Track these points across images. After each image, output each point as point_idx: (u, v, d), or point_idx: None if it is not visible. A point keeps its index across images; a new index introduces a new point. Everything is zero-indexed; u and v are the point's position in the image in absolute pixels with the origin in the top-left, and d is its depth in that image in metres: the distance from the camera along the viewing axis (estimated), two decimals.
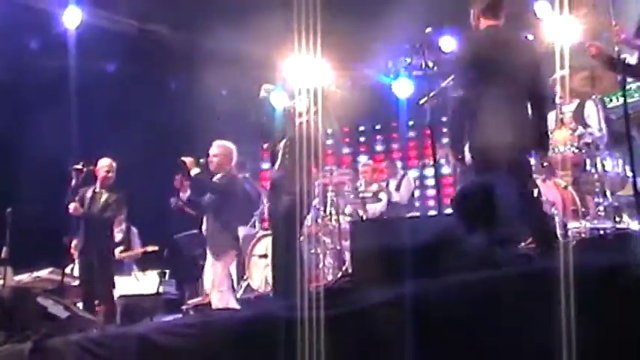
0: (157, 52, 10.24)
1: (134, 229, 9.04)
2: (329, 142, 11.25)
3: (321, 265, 7.92)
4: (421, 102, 5.36)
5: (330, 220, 8.17)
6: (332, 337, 3.18)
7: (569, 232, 5.96)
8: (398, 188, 9.30)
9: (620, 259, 2.83)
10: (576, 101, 6.67)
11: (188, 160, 6.71)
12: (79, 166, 7.36)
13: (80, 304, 6.92)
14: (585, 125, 6.29)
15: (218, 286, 6.69)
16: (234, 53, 10.52)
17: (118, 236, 8.94)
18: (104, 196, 7.41)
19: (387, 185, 9.28)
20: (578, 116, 6.56)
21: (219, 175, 6.86)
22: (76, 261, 7.84)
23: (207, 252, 6.75)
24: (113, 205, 7.41)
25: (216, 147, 6.97)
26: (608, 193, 5.93)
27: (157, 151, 9.39)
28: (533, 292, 2.78)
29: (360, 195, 8.67)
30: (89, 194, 7.41)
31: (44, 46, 9.40)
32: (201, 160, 6.90)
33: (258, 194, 9.09)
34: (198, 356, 3.69)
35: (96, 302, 7.36)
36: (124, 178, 7.70)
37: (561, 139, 6.27)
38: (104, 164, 7.51)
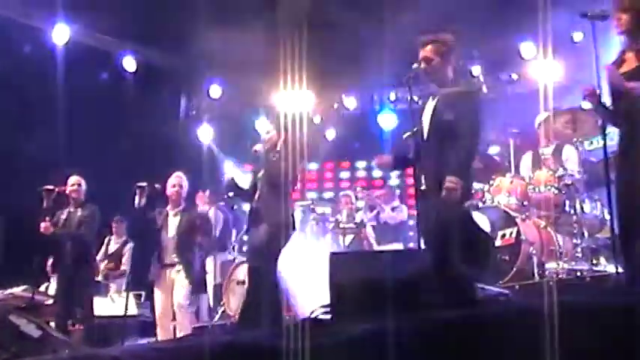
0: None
1: (131, 244, 8.93)
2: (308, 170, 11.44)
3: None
4: (404, 136, 5.39)
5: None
6: None
7: (547, 272, 6.01)
8: (393, 210, 9.33)
9: (598, 300, 2.86)
10: (554, 144, 6.78)
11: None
12: (50, 187, 7.31)
13: (52, 324, 6.84)
14: (563, 168, 6.38)
15: (188, 308, 6.73)
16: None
17: (112, 248, 9.00)
18: (77, 214, 7.36)
19: (379, 214, 9.31)
20: (556, 158, 6.66)
21: (179, 208, 6.90)
22: (52, 279, 7.76)
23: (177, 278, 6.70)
24: (85, 221, 7.34)
25: (175, 178, 7.01)
26: (586, 234, 5.98)
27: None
28: (512, 330, 2.79)
29: (341, 226, 8.65)
30: (64, 215, 7.36)
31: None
32: (157, 186, 6.90)
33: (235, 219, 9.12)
34: None
35: (69, 322, 7.28)
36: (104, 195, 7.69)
37: (542, 179, 6.35)
38: (72, 182, 7.44)
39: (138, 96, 10.27)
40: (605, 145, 4.09)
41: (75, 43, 9.56)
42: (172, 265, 6.75)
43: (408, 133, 5.11)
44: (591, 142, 7.58)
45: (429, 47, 4.75)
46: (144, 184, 6.81)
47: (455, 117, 4.56)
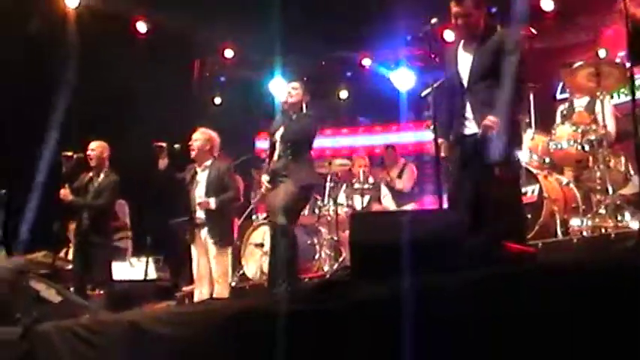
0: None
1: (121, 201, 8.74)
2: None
3: (317, 257, 7.86)
4: (423, 94, 5.29)
5: (328, 210, 8.10)
6: (327, 330, 3.12)
7: (570, 230, 5.91)
8: (400, 176, 9.20)
9: (621, 258, 2.77)
10: (586, 97, 6.62)
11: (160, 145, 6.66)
12: (69, 153, 7.25)
13: (72, 289, 6.85)
14: (595, 121, 6.18)
15: (224, 276, 6.63)
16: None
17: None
18: (97, 181, 7.31)
19: (388, 173, 9.19)
20: (589, 111, 6.49)
21: (208, 162, 6.73)
22: (71, 245, 7.76)
23: (209, 242, 6.58)
24: (106, 190, 7.29)
25: (199, 133, 6.82)
26: (610, 190, 5.85)
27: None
28: (534, 290, 2.71)
29: (357, 187, 8.54)
30: (84, 181, 7.31)
31: None
32: (176, 146, 6.77)
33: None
34: (190, 345, 3.63)
35: (88, 287, 7.30)
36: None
37: (565, 135, 6.21)
38: (93, 147, 7.36)
39: (150, 59, 10.17)
40: (633, 97, 3.95)
41: (86, 7, 9.43)
42: (203, 224, 6.59)
43: (428, 90, 5.03)
44: (612, 97, 7.42)
45: (467, 2, 4.80)
46: (162, 143, 6.71)
47: (501, 55, 4.70)
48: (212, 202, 6.53)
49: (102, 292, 7.24)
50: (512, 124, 4.70)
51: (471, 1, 4.81)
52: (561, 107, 7.01)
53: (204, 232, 6.57)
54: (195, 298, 6.59)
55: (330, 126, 11.65)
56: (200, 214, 6.59)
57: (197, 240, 6.62)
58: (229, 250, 6.87)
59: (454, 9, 4.84)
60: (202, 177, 6.71)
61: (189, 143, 6.73)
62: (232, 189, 6.76)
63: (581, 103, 6.71)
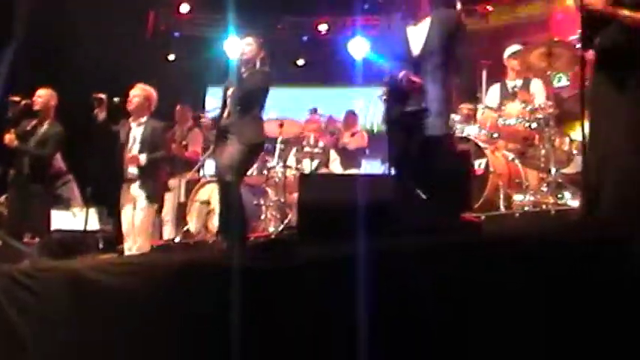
0: None
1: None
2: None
3: (263, 217, 7.88)
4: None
5: (276, 172, 8.11)
6: (269, 288, 3.15)
7: (513, 204, 6.04)
8: (353, 135, 9.27)
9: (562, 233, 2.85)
10: (522, 78, 6.80)
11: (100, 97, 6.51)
12: (17, 98, 7.09)
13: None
14: (531, 102, 6.36)
15: (147, 230, 6.64)
16: None
17: None
18: (42, 129, 7.16)
19: (342, 132, 9.25)
20: (524, 92, 6.65)
21: (143, 119, 6.67)
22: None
23: (138, 196, 6.55)
24: (50, 141, 7.16)
25: (139, 89, 6.74)
26: (553, 169, 5.99)
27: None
28: (477, 259, 2.77)
29: (307, 150, 8.57)
30: (28, 127, 7.16)
31: None
32: (115, 99, 6.64)
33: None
34: (134, 296, 3.62)
35: (28, 235, 7.20)
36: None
37: (514, 112, 6.32)
38: (41, 94, 7.19)
39: (105, 10, 9.95)
40: (582, 77, 4.02)
41: None
42: (134, 180, 6.56)
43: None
44: (559, 79, 7.58)
45: None
46: (102, 95, 6.58)
47: (452, 35, 4.86)
48: (142, 158, 6.52)
49: (37, 239, 7.15)
50: (447, 96, 4.87)
51: None
52: (494, 86, 7.12)
53: (134, 187, 6.55)
54: (126, 253, 6.57)
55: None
56: (132, 170, 6.56)
57: (127, 195, 6.58)
58: (155, 207, 6.87)
59: None
60: (137, 133, 6.67)
61: (128, 98, 6.66)
62: (164, 148, 6.80)
63: (516, 84, 6.87)
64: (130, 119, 6.71)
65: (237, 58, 6.00)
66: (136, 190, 6.54)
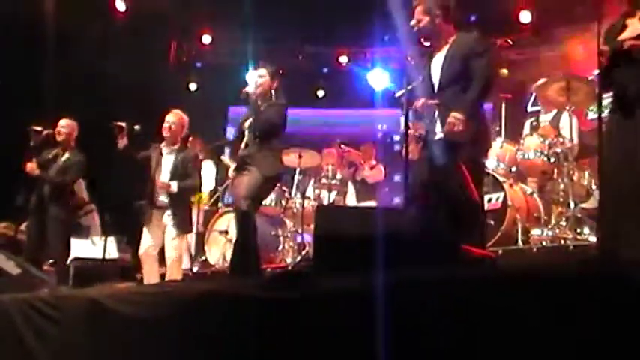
0: None
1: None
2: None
3: (280, 248, 7.90)
4: (398, 94, 5.35)
5: (294, 203, 8.14)
6: (285, 318, 3.16)
7: (531, 239, 6.02)
8: (372, 169, 9.24)
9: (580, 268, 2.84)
10: (554, 111, 6.77)
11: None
12: (39, 128, 7.22)
13: None
14: (559, 135, 6.34)
15: (179, 259, 6.61)
16: None
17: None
18: (63, 158, 7.27)
19: (362, 164, 9.24)
20: (553, 126, 6.63)
21: (176, 147, 6.71)
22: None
23: (169, 224, 6.55)
24: (72, 168, 7.25)
25: (174, 115, 6.77)
26: (572, 203, 5.98)
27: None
28: (494, 293, 2.77)
29: (324, 182, 8.57)
30: (50, 155, 7.26)
31: None
32: (136, 127, 6.69)
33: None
34: (152, 325, 3.64)
35: (47, 263, 7.26)
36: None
37: (532, 146, 6.33)
38: (63, 124, 7.33)
39: (128, 38, 10.10)
40: (599, 114, 4.04)
41: None
42: (162, 207, 6.55)
43: (402, 91, 5.08)
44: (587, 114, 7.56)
45: (419, 8, 4.95)
46: (122, 123, 6.64)
47: (471, 58, 4.78)
48: (174, 186, 6.51)
49: (55, 268, 7.20)
50: (479, 128, 4.74)
51: (422, 7, 4.92)
52: (529, 120, 7.16)
53: (165, 216, 6.53)
54: (145, 280, 6.55)
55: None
56: (163, 197, 6.56)
57: (153, 222, 6.55)
58: (186, 238, 6.88)
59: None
60: (169, 160, 6.67)
61: (165, 123, 6.67)
62: (195, 178, 6.74)
63: (546, 117, 6.88)
64: (163, 144, 6.73)
65: (252, 92, 5.98)
66: (167, 219, 6.52)
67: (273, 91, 6.00)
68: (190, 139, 8.98)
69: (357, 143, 9.68)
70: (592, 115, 7.03)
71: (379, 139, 11.49)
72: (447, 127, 4.65)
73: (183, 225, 6.58)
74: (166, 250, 6.49)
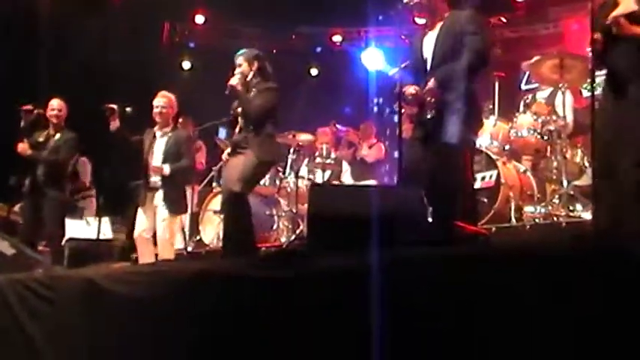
0: None
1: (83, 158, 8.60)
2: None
3: (274, 227, 7.91)
4: (390, 73, 5.33)
5: (288, 182, 8.14)
6: (279, 298, 3.17)
7: (524, 216, 6.04)
8: (370, 147, 9.15)
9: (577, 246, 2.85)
10: (551, 88, 6.76)
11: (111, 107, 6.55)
12: (29, 107, 7.18)
13: None
14: (553, 112, 6.32)
15: (170, 240, 6.61)
16: None
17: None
18: (55, 138, 7.24)
19: (360, 143, 9.20)
20: (549, 103, 6.62)
21: (168, 129, 6.69)
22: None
23: (160, 205, 6.55)
24: (64, 147, 7.24)
25: (163, 97, 6.72)
26: (564, 181, 5.99)
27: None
28: (488, 270, 2.78)
29: (318, 161, 8.54)
30: (42, 138, 7.24)
31: None
32: (128, 109, 6.65)
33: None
34: (147, 305, 3.65)
35: (42, 243, 7.26)
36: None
37: (526, 124, 6.33)
38: (54, 105, 7.30)
39: (121, 20, 10.05)
40: (592, 92, 4.04)
41: None
42: (156, 188, 6.55)
43: (395, 70, 5.08)
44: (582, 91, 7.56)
45: None
46: (113, 105, 6.60)
47: (465, 36, 4.75)
48: (166, 168, 6.52)
49: (49, 248, 7.20)
50: (471, 106, 4.69)
51: None
52: (525, 97, 7.16)
53: (157, 196, 6.53)
54: (140, 262, 6.56)
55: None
56: (156, 179, 6.56)
57: (148, 203, 6.56)
58: (180, 218, 6.89)
59: None
60: (161, 142, 6.66)
61: (155, 107, 6.65)
62: (188, 158, 6.74)
63: (543, 94, 6.87)
64: (155, 128, 6.72)
65: (236, 83, 5.84)
66: (158, 200, 6.53)
67: (256, 72, 5.91)
68: (180, 120, 8.98)
69: (356, 122, 9.65)
70: (587, 92, 7.03)
71: (374, 114, 11.41)
72: (427, 92, 4.72)
73: (175, 206, 6.58)
74: (157, 231, 6.50)
